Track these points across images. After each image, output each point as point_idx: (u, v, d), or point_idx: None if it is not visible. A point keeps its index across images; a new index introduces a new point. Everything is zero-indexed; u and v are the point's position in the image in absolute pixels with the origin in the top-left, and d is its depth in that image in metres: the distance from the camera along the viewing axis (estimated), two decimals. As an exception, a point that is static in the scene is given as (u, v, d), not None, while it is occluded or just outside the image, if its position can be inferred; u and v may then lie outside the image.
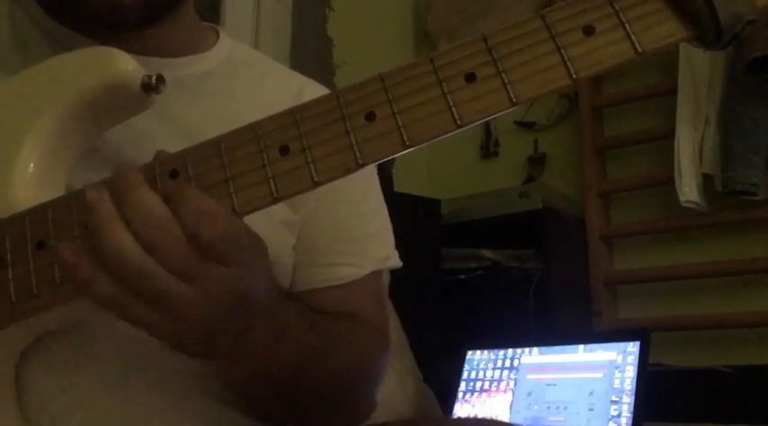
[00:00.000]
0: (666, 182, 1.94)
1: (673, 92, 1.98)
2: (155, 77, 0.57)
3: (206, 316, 0.51)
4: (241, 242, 0.51)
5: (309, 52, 2.13)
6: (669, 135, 1.95)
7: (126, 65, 0.57)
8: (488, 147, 2.46)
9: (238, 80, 0.78)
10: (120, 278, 0.48)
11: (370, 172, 0.82)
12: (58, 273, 0.53)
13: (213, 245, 0.49)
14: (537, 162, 2.35)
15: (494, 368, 1.68)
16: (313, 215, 0.75)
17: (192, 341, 0.53)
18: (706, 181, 1.90)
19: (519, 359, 1.65)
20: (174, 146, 0.54)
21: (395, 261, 0.81)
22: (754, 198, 1.83)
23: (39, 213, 0.55)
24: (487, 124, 2.45)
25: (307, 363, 0.65)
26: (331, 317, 0.73)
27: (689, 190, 1.89)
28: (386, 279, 0.83)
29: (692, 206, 1.91)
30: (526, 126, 2.37)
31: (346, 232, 0.77)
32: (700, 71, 1.94)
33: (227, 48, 0.80)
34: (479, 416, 1.59)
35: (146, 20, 0.68)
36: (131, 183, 0.49)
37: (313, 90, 0.80)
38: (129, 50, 0.60)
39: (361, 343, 0.73)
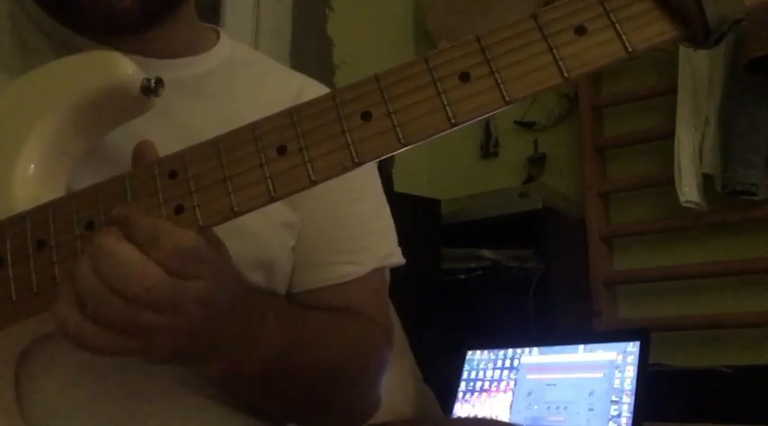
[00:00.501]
0: (666, 182, 1.94)
1: (673, 92, 1.98)
2: (154, 80, 0.58)
3: (177, 334, 0.52)
4: (196, 253, 0.51)
5: (309, 52, 2.13)
6: (669, 135, 1.95)
7: (126, 68, 0.58)
8: (488, 147, 2.47)
9: (238, 80, 0.78)
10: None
11: (370, 170, 0.82)
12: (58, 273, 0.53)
13: (170, 262, 0.49)
14: (537, 162, 2.35)
15: (494, 368, 1.68)
16: (312, 215, 0.75)
17: (161, 355, 0.54)
18: (706, 181, 1.90)
19: (519, 359, 1.65)
20: (173, 146, 0.55)
21: (397, 258, 0.81)
22: (754, 198, 1.83)
23: (39, 213, 0.55)
24: (487, 124, 2.45)
25: (287, 355, 0.64)
26: (321, 311, 0.73)
27: (689, 190, 1.89)
28: (386, 276, 0.83)
29: (692, 206, 1.91)
30: (526, 126, 2.38)
31: (346, 231, 0.78)
32: (700, 71, 1.94)
33: (228, 48, 0.80)
34: (479, 416, 1.60)
35: (143, 23, 0.69)
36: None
37: (313, 89, 0.81)
38: (128, 52, 0.60)
39: (354, 336, 0.73)
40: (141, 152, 0.57)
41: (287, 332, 0.65)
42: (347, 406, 0.75)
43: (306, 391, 0.69)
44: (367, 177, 0.81)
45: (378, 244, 0.80)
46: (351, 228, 0.78)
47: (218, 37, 0.81)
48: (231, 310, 0.55)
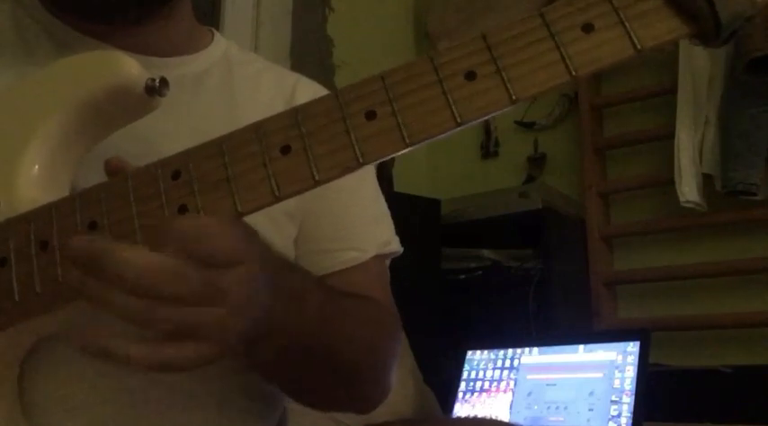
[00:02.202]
0: (666, 182, 1.95)
1: (673, 92, 1.98)
2: (158, 80, 0.58)
3: (237, 318, 0.50)
4: (230, 241, 0.50)
5: (309, 52, 2.13)
6: (669, 135, 1.96)
7: (130, 68, 0.58)
8: (488, 147, 2.46)
9: (235, 78, 0.79)
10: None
11: None
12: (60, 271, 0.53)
13: (214, 257, 0.48)
14: (537, 162, 2.35)
15: (494, 368, 1.68)
16: (311, 206, 0.76)
17: (229, 346, 0.52)
18: (706, 181, 1.90)
19: (519, 359, 1.65)
20: (175, 145, 0.54)
21: (396, 245, 0.82)
22: (754, 198, 1.83)
23: (43, 213, 0.55)
24: (487, 124, 2.45)
25: (327, 331, 0.64)
26: (341, 292, 0.72)
27: (689, 191, 1.89)
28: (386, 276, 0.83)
29: (692, 206, 1.91)
30: (526, 126, 2.38)
31: (346, 219, 0.78)
32: (700, 71, 1.94)
33: (223, 47, 0.81)
34: (479, 416, 1.60)
35: (142, 14, 0.69)
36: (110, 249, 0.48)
37: (306, 86, 0.82)
38: (129, 50, 0.60)
39: (374, 316, 0.73)
40: (114, 170, 0.56)
41: (327, 308, 0.64)
42: (369, 387, 0.74)
43: (337, 370, 0.68)
44: (363, 168, 0.81)
45: (376, 232, 0.80)
46: (352, 216, 0.79)
47: (213, 36, 0.82)
48: (277, 288, 0.55)
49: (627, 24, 0.44)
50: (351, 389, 0.72)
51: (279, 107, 0.52)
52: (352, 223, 0.78)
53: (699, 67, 1.94)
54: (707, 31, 0.43)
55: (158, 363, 0.48)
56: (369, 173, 0.83)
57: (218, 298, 0.48)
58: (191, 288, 0.47)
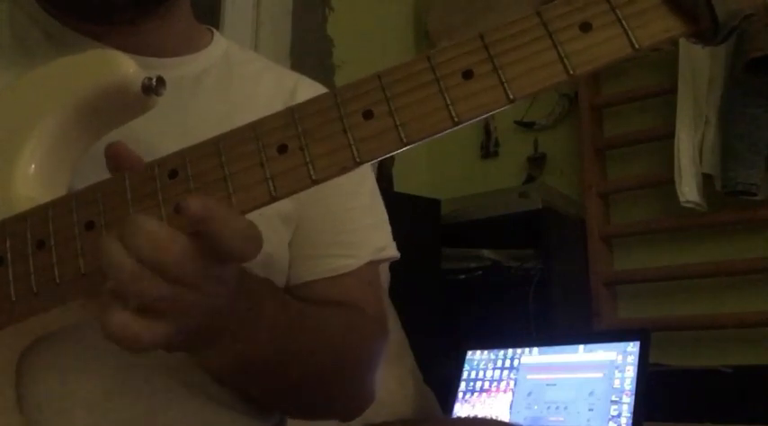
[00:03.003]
0: (666, 182, 1.95)
1: (673, 92, 1.98)
2: (155, 79, 0.58)
3: (205, 311, 0.51)
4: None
5: (309, 52, 2.13)
6: (669, 135, 1.96)
7: (127, 67, 0.58)
8: (488, 147, 2.47)
9: (234, 78, 0.79)
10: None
11: (364, 166, 0.82)
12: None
13: (231, 254, 0.49)
14: (537, 162, 2.35)
15: (494, 368, 1.68)
16: (306, 210, 0.76)
17: (185, 338, 0.53)
18: (706, 181, 1.90)
19: (519, 359, 1.65)
20: (173, 145, 0.54)
21: (392, 251, 0.81)
22: (754, 198, 1.83)
23: (39, 213, 0.55)
24: (487, 124, 2.45)
25: (286, 341, 0.64)
26: (316, 303, 0.72)
27: (689, 191, 1.89)
28: (386, 276, 0.83)
29: (692, 206, 1.91)
30: (526, 126, 2.38)
31: (340, 225, 0.78)
32: (700, 71, 1.94)
33: (222, 47, 0.81)
34: (479, 416, 1.60)
35: (138, 14, 0.69)
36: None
37: (307, 86, 0.81)
38: (126, 51, 0.60)
39: (347, 326, 0.72)
40: (114, 154, 0.56)
41: (285, 317, 0.64)
42: (343, 397, 0.74)
43: (303, 380, 0.68)
44: (360, 172, 0.81)
45: (372, 238, 0.80)
46: (345, 223, 0.78)
47: (213, 36, 0.81)
48: (237, 292, 0.55)
49: (624, 23, 0.44)
50: (322, 400, 0.72)
51: (277, 107, 0.52)
52: (346, 229, 0.78)
53: (699, 67, 1.94)
54: (704, 29, 0.43)
55: (131, 336, 0.48)
56: (367, 177, 0.83)
57: (212, 285, 0.49)
58: (195, 272, 0.48)
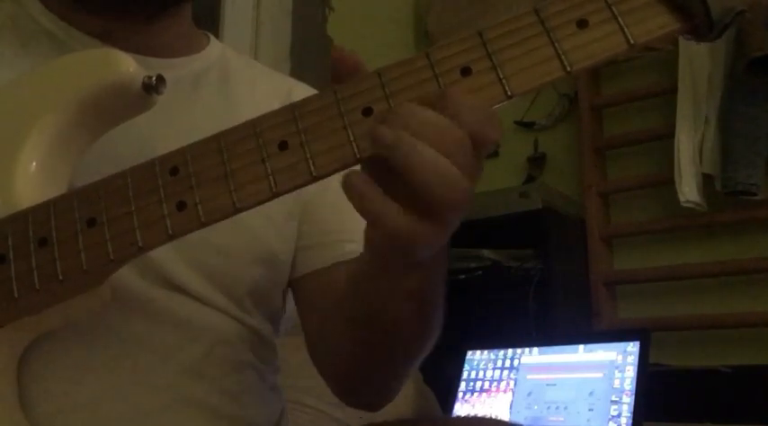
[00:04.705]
0: (666, 182, 1.95)
1: (673, 91, 1.98)
2: (155, 78, 0.58)
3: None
4: None
5: (309, 52, 2.14)
6: (669, 135, 1.96)
7: (127, 66, 0.58)
8: (488, 148, 2.47)
9: (232, 78, 0.80)
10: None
11: None
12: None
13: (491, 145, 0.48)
14: (537, 162, 2.35)
15: (494, 368, 1.68)
16: (311, 198, 0.77)
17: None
18: (706, 181, 1.90)
19: (519, 359, 1.65)
20: (173, 144, 0.55)
21: None
22: (754, 198, 1.84)
23: (41, 210, 0.56)
24: (487, 124, 2.45)
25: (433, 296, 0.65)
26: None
27: (689, 191, 1.90)
28: None
29: (692, 206, 1.91)
30: (526, 126, 2.38)
31: (345, 214, 0.78)
32: (700, 71, 1.94)
33: (218, 50, 0.82)
34: (479, 416, 1.60)
35: (156, 11, 0.71)
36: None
37: (302, 91, 0.82)
38: (127, 51, 0.61)
39: None
40: (342, 60, 0.54)
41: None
42: (404, 377, 0.75)
43: (417, 331, 0.70)
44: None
45: None
46: (349, 211, 0.79)
47: (209, 40, 0.83)
48: None
49: (620, 19, 0.45)
50: (403, 371, 0.73)
51: (275, 106, 0.53)
52: (351, 218, 0.78)
53: (699, 67, 1.94)
54: (699, 25, 0.43)
55: (413, 234, 0.48)
56: None
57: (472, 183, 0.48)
58: (470, 161, 0.47)
